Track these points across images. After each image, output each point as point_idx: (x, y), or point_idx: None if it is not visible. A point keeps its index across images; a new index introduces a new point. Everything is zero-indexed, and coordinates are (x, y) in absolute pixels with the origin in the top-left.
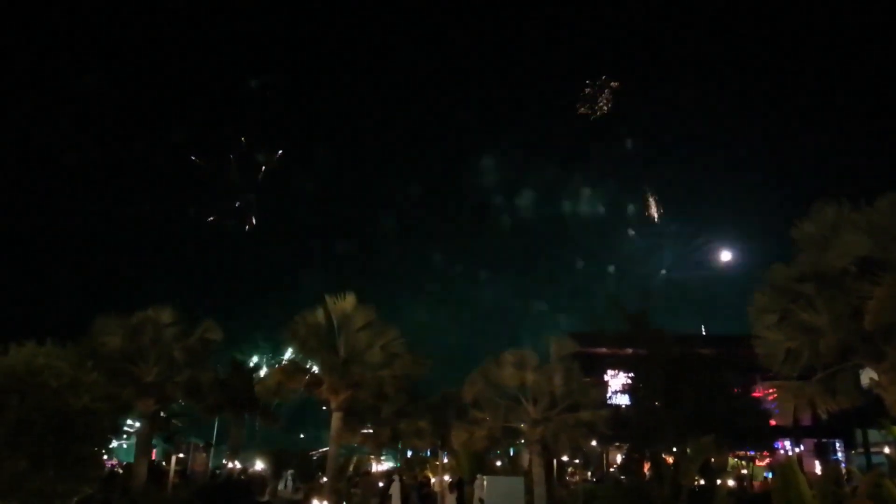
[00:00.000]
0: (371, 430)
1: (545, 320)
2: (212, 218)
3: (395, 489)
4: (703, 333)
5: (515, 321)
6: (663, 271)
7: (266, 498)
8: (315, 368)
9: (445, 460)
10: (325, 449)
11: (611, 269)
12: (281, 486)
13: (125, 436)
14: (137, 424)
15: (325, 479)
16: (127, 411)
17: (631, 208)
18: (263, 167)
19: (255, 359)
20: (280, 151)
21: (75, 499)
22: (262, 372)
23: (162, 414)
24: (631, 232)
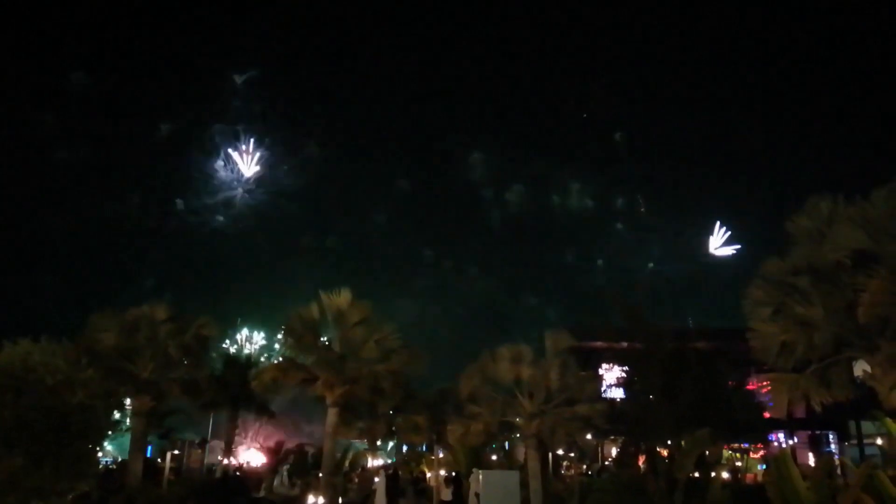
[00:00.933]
0: (367, 426)
1: (534, 314)
2: (199, 214)
3: (379, 484)
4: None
5: (505, 315)
6: (651, 264)
7: (262, 493)
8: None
9: (441, 455)
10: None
11: (599, 262)
12: (276, 482)
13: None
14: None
15: (321, 474)
16: (122, 408)
17: (619, 202)
18: (252, 161)
19: (244, 331)
20: (266, 148)
21: (71, 496)
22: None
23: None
24: (619, 226)
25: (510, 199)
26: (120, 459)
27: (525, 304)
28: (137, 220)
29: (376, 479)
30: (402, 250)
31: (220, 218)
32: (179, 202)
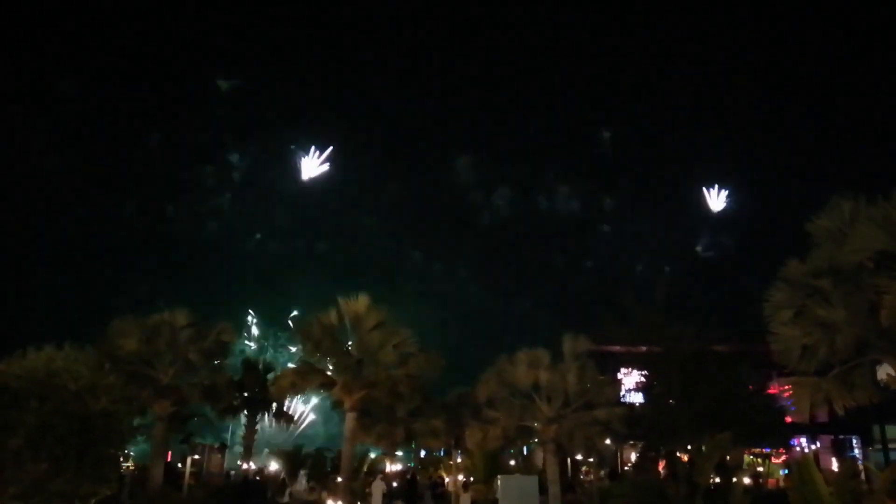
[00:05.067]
0: (385, 430)
1: (528, 318)
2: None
3: (376, 488)
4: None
5: (499, 320)
6: (637, 267)
7: (286, 499)
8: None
9: (459, 460)
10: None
11: (588, 264)
12: (296, 487)
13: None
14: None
15: (339, 478)
16: (144, 413)
17: (610, 204)
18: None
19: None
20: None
21: (94, 500)
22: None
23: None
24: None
25: (500, 203)
26: (141, 465)
27: (517, 307)
28: (153, 225)
29: (395, 484)
30: (393, 254)
31: (215, 223)
32: (171, 208)
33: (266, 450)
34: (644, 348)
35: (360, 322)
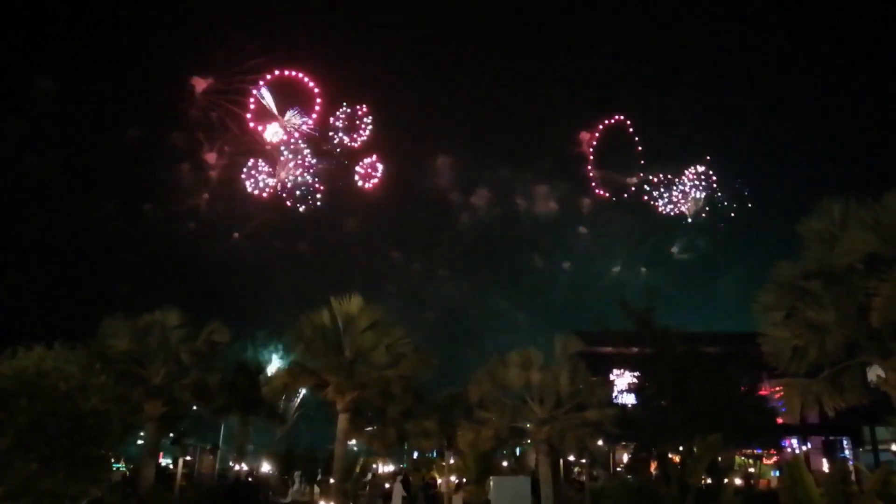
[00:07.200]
0: (377, 431)
1: (505, 319)
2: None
3: (396, 490)
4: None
5: (476, 321)
6: (616, 269)
7: (288, 499)
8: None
9: (452, 461)
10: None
11: (566, 265)
12: (291, 488)
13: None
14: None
15: (331, 479)
16: (135, 413)
17: (587, 205)
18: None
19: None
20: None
21: (84, 501)
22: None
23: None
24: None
25: (480, 204)
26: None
27: (494, 308)
28: (153, 227)
29: (387, 486)
30: (370, 254)
31: (193, 224)
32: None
33: (251, 447)
34: (636, 350)
35: (352, 322)
